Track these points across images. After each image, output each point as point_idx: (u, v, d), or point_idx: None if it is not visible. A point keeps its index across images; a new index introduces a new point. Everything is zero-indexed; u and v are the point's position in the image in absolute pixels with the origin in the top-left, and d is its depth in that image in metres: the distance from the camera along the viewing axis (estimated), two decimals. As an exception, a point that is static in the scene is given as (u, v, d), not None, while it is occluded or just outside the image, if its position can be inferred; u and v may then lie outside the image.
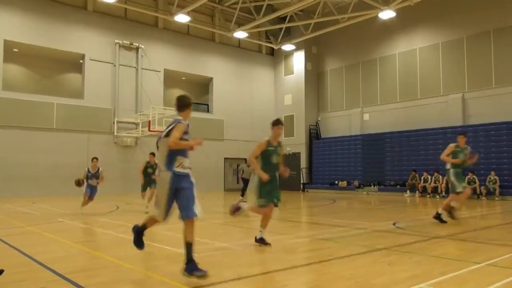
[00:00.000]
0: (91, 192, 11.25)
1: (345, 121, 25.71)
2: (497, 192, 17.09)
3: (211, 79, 25.91)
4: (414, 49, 22.44)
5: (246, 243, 6.28)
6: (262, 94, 28.11)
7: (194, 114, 28.24)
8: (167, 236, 6.90)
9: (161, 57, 23.56)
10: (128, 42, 22.20)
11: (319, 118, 27.31)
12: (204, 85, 26.52)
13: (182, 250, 5.65)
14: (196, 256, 4.19)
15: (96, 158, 11.54)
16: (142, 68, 22.69)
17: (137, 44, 22.55)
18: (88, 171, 11.33)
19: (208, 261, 5.08)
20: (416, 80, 22.22)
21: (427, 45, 21.90)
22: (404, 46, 22.97)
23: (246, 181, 14.10)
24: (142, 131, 20.67)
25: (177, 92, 26.32)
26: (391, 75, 23.52)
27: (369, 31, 23.91)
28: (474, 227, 8.48)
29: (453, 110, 20.49)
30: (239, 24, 24.06)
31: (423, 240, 6.58)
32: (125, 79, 22.10)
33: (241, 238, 6.85)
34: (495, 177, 17.33)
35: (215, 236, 7.14)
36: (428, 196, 18.77)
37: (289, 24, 24.80)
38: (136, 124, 21.81)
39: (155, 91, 23.09)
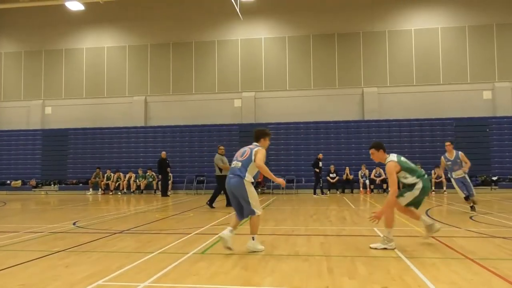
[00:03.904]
0: None
1: (23, 113, 22.87)
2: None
3: None
4: (102, 47, 22.61)
5: None
6: None
7: None
8: None
9: None
10: None
11: (-12, 107, 23.09)
12: None
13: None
14: None
15: None
16: None
17: None
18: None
19: None
20: (103, 78, 22.41)
21: (114, 46, 22.52)
22: (91, 42, 22.72)
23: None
24: None
25: None
26: (78, 70, 22.77)
27: (57, 19, 22.30)
28: (150, 220, 9.34)
29: (136, 110, 21.93)
30: None
31: (103, 237, 6.68)
32: None
33: None
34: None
35: None
36: (111, 193, 19.32)
37: None
38: None
39: None
